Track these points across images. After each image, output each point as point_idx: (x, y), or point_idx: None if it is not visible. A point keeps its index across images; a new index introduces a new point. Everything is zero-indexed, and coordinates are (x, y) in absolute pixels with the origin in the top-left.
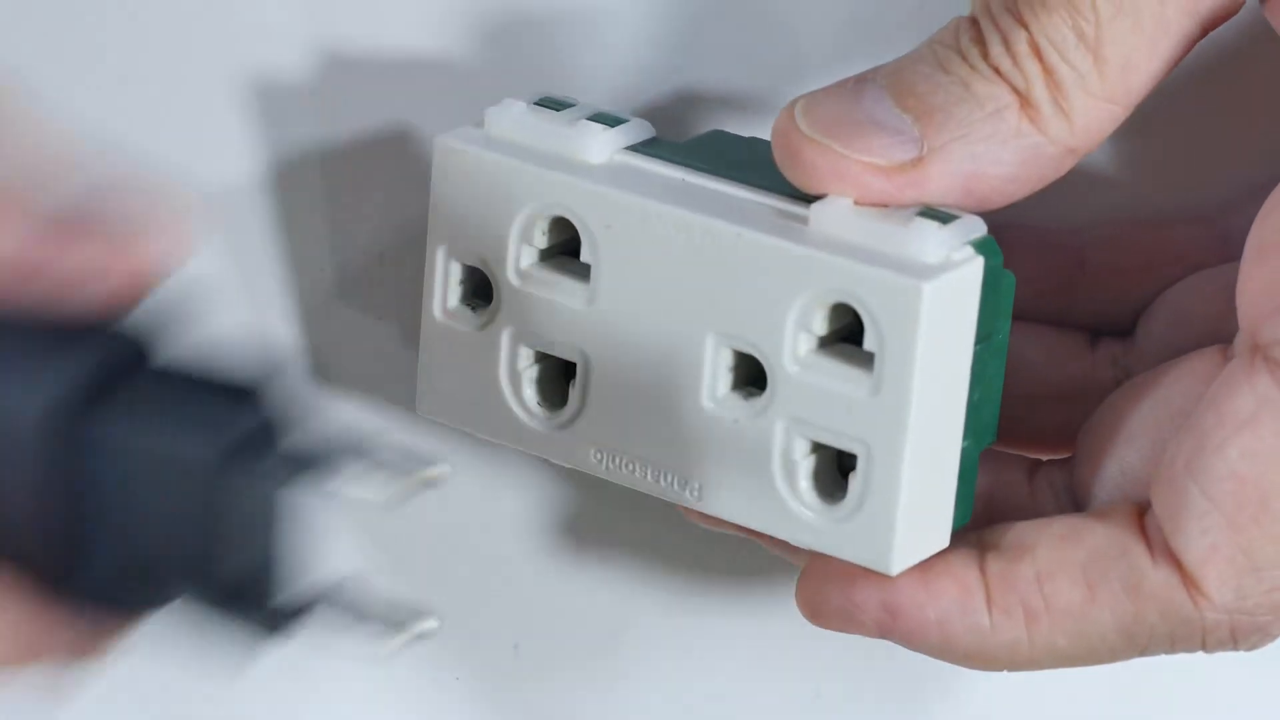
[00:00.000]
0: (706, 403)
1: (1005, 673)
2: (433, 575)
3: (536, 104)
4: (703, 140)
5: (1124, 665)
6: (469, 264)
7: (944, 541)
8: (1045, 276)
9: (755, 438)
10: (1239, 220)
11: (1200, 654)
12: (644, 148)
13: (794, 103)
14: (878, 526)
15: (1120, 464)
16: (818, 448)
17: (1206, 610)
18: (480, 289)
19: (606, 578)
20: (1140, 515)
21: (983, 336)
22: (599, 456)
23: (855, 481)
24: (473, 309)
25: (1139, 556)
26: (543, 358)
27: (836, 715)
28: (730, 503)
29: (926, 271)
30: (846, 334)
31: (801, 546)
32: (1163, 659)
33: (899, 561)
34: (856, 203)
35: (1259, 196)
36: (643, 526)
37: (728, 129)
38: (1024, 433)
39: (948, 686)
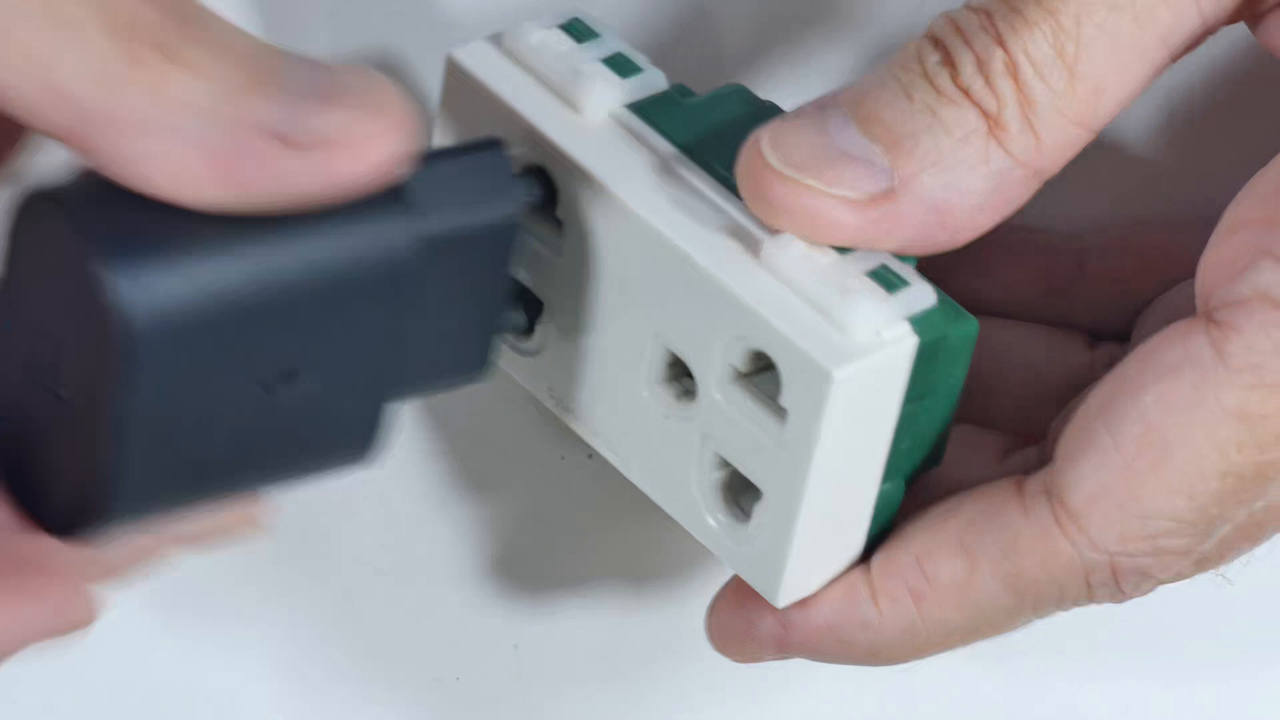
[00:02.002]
0: (643, 391)
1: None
2: (433, 575)
3: (561, 27)
4: (716, 100)
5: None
6: None
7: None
8: (1045, 279)
9: (680, 438)
10: None
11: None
12: (648, 108)
13: (759, 137)
14: (770, 560)
15: None
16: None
17: (1085, 549)
18: None
19: (606, 578)
20: (1020, 481)
21: (915, 397)
22: (551, 394)
23: (756, 511)
24: None
25: (1011, 514)
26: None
27: (837, 715)
28: (652, 485)
29: (846, 353)
30: None
31: (708, 547)
32: None
33: (786, 595)
34: (813, 243)
35: None
36: (643, 526)
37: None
38: (1019, 431)
39: (949, 687)
